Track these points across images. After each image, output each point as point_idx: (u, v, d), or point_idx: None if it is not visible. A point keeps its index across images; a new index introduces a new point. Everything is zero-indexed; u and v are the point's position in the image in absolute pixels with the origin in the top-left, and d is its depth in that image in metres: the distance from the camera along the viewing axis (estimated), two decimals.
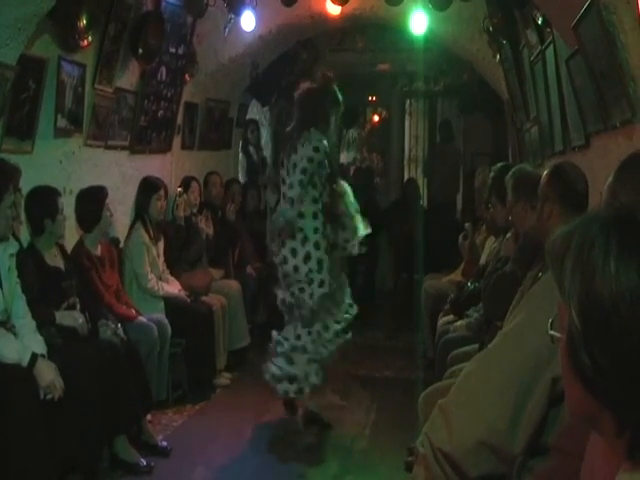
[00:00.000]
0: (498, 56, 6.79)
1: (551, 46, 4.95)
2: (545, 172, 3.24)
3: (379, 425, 5.51)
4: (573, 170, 3.20)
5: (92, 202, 5.20)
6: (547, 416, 1.66)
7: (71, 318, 4.41)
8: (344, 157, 12.66)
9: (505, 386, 1.71)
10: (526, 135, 6.74)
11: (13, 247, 4.05)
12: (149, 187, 6.09)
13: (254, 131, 9.37)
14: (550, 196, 3.11)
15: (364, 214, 5.38)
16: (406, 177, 11.73)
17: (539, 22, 5.09)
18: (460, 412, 1.76)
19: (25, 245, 4.56)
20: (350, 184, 5.46)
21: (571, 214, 3.04)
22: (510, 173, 4.02)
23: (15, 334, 3.90)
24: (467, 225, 6.06)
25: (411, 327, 7.54)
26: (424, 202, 10.94)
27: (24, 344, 3.87)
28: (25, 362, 3.77)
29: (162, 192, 6.10)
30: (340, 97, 5.26)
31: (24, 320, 4.00)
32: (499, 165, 5.00)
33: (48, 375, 3.80)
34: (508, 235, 4.28)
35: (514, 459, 1.69)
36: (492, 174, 4.80)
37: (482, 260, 5.43)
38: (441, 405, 1.83)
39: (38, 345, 3.95)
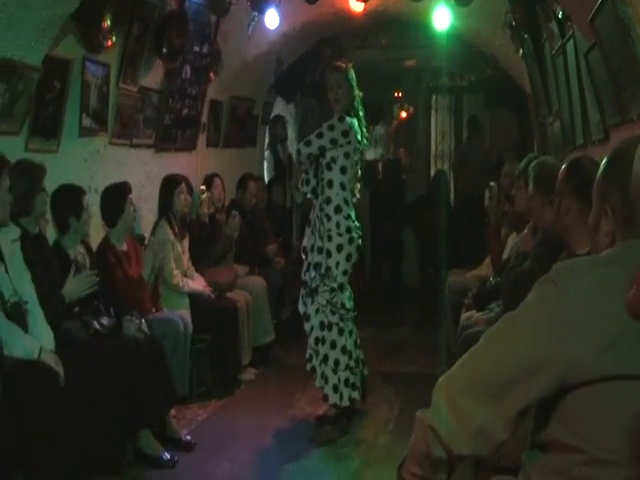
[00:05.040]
0: (521, 50, 6.76)
1: (571, 39, 4.91)
2: (562, 167, 3.23)
3: (402, 421, 5.48)
4: (590, 164, 3.15)
5: (114, 196, 5.27)
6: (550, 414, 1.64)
7: None
8: (371, 153, 12.63)
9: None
10: (549, 129, 6.71)
11: (14, 233, 4.00)
12: (170, 184, 6.10)
13: (284, 127, 9.34)
14: (567, 192, 3.10)
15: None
16: (432, 173, 11.65)
17: (559, 16, 5.07)
18: (465, 400, 1.71)
19: (51, 243, 4.65)
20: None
21: (589, 209, 3.02)
22: (533, 164, 4.03)
23: (27, 320, 3.90)
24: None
25: (436, 323, 7.53)
26: (451, 197, 10.90)
27: (34, 336, 3.88)
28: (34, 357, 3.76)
29: (183, 185, 6.10)
30: None
31: (35, 308, 3.99)
32: (532, 155, 4.96)
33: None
34: (525, 231, 4.27)
35: (501, 444, 1.68)
36: (523, 163, 4.77)
37: (505, 254, 5.42)
38: (442, 385, 1.76)
39: (48, 339, 3.97)
